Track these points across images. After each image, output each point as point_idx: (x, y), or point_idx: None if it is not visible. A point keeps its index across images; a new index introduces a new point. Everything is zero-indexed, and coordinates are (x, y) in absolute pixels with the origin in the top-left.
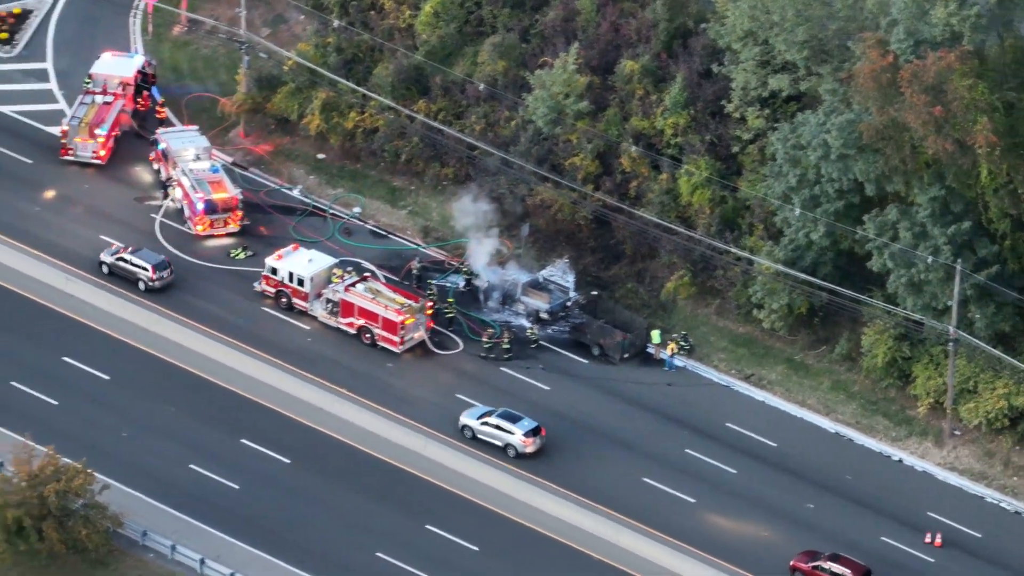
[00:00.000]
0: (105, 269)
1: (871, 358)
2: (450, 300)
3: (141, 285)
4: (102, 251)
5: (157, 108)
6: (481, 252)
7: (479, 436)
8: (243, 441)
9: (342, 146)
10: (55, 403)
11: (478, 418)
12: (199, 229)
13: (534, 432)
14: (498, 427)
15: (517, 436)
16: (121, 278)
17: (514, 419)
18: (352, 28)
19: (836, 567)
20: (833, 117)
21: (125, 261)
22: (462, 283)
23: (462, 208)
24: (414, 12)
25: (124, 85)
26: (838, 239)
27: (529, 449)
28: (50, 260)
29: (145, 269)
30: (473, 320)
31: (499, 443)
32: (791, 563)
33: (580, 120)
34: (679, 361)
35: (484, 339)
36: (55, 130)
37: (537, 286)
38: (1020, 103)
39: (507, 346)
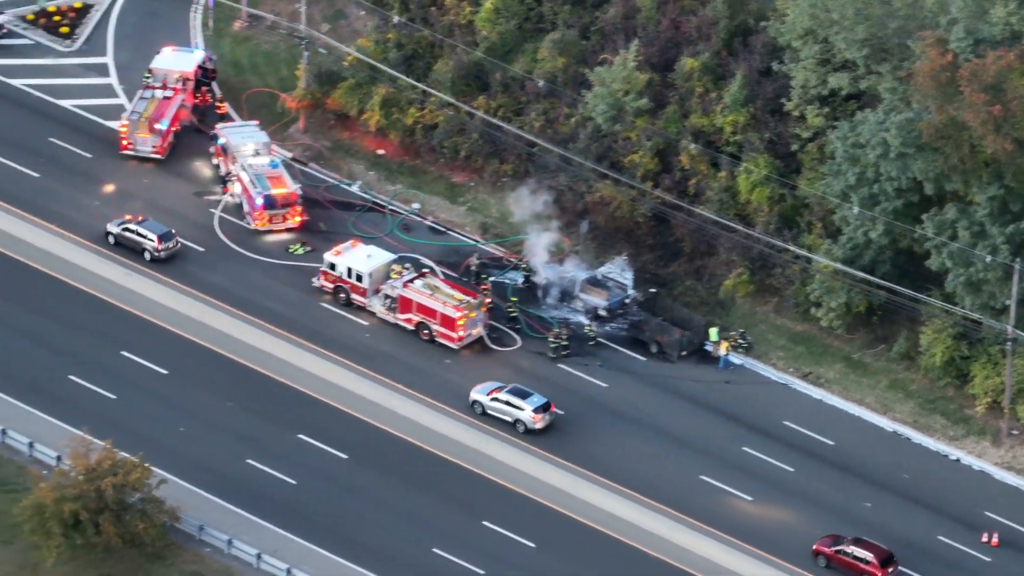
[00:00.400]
0: (111, 239)
1: (929, 357)
2: (513, 299)
3: (147, 255)
4: (108, 222)
5: (217, 104)
6: (540, 248)
7: (489, 412)
8: (300, 436)
9: (401, 142)
10: (113, 397)
11: (488, 393)
12: (258, 224)
13: (544, 408)
14: (508, 403)
15: (527, 412)
16: (127, 248)
17: (524, 395)
18: (412, 24)
19: (859, 551)
20: (892, 116)
21: (131, 231)
22: (520, 280)
23: (520, 201)
24: (474, 8)
25: (183, 80)
26: (897, 238)
27: (538, 425)
28: (109, 255)
29: (151, 239)
30: (533, 318)
31: (509, 419)
32: (814, 547)
33: (639, 117)
34: (735, 359)
35: (550, 339)
36: (115, 125)
37: (595, 283)
38: None
39: (565, 343)
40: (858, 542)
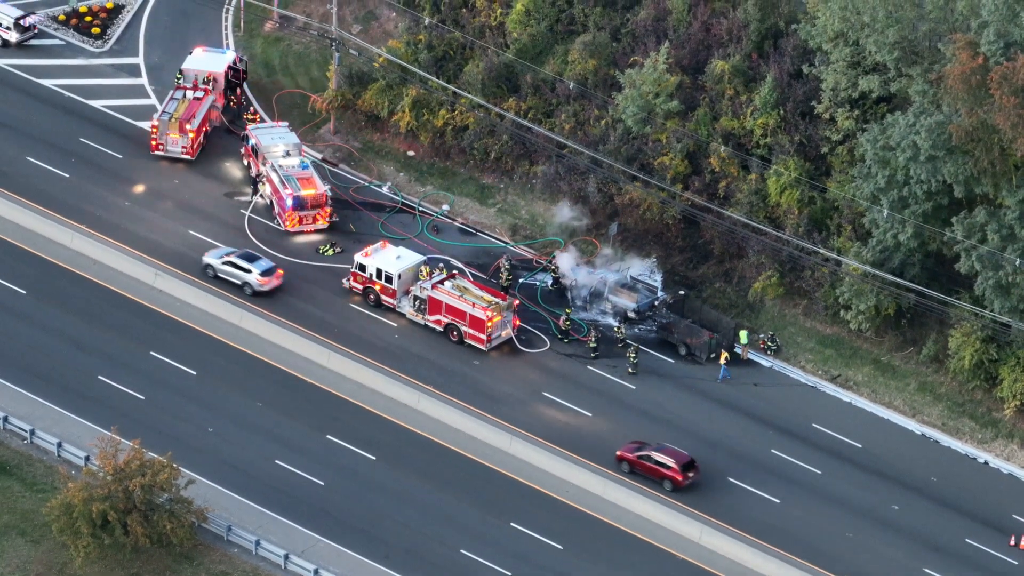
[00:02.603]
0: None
1: (958, 360)
2: (568, 311)
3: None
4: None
5: (247, 114)
6: (570, 250)
7: (220, 275)
8: (329, 437)
9: (432, 143)
10: (142, 397)
11: (219, 258)
12: (288, 225)
13: (269, 272)
14: (237, 266)
15: (254, 275)
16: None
17: (252, 259)
18: (443, 26)
19: (660, 456)
20: (923, 118)
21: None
22: (550, 281)
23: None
24: (505, 10)
25: (211, 80)
26: (926, 241)
27: (265, 287)
28: (139, 255)
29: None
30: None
31: (238, 282)
32: (617, 453)
33: (670, 120)
34: (767, 362)
35: (591, 342)
36: (146, 125)
37: (625, 285)
38: None
39: (594, 345)
40: (660, 448)
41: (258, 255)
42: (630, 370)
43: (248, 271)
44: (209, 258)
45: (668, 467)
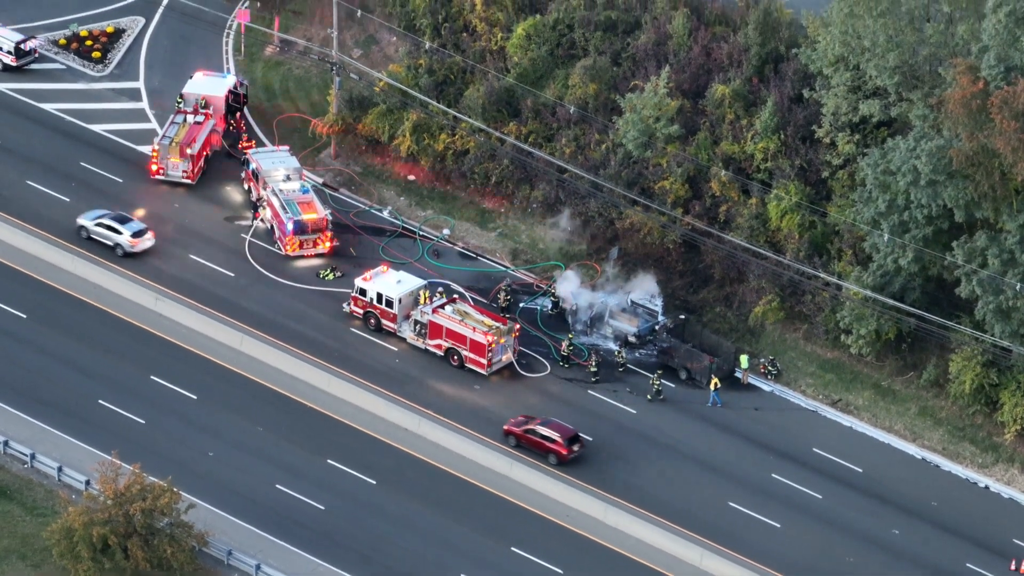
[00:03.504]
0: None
1: (958, 384)
2: (570, 336)
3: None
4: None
5: (242, 142)
6: (570, 275)
7: (93, 236)
8: (329, 461)
9: (432, 167)
10: (142, 422)
11: (93, 220)
12: (288, 250)
13: (140, 233)
14: (109, 227)
15: (125, 236)
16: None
17: (124, 221)
18: (444, 50)
19: (545, 430)
20: (923, 143)
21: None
22: (549, 306)
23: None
24: (506, 35)
25: (205, 103)
26: (927, 265)
27: (136, 249)
28: (140, 279)
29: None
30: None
31: (110, 243)
32: (504, 427)
33: (670, 144)
34: (767, 386)
35: (591, 367)
36: (146, 149)
37: (625, 310)
38: None
39: (594, 369)
40: (546, 423)
41: (130, 217)
42: (649, 397)
43: (119, 232)
44: (83, 220)
45: (553, 440)
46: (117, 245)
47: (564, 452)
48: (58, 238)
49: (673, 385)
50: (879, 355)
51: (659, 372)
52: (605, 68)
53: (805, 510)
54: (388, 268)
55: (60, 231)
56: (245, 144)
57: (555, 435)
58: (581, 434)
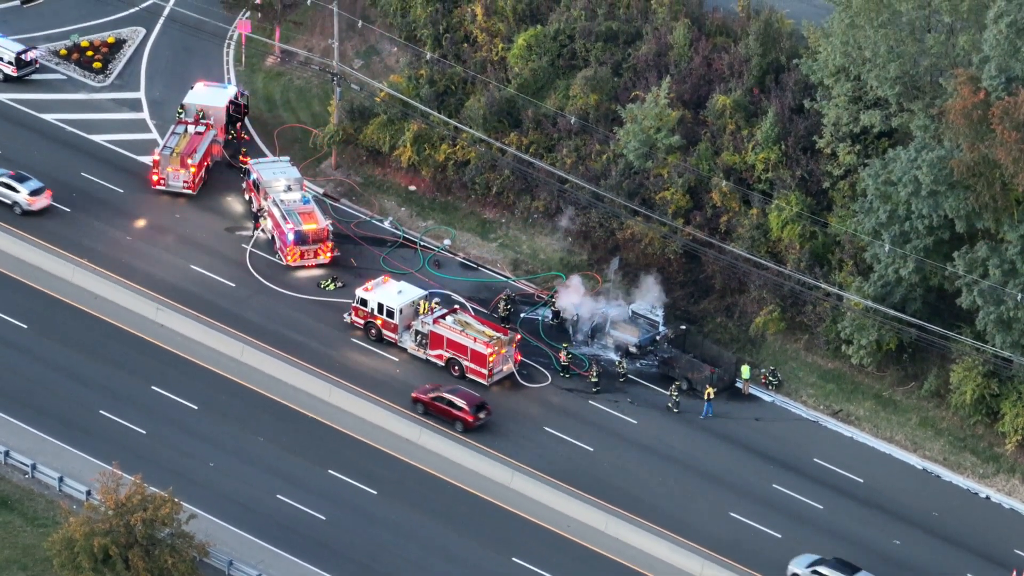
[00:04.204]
0: None
1: (959, 395)
2: (566, 345)
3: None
4: None
5: (241, 157)
6: (571, 285)
7: None
8: (331, 472)
9: (433, 178)
10: (143, 432)
11: None
12: (289, 260)
13: (39, 192)
14: (7, 186)
15: (23, 195)
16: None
17: (22, 179)
18: (445, 60)
19: (452, 397)
20: (924, 153)
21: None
22: (550, 315)
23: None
24: (507, 45)
25: (203, 113)
26: (927, 275)
27: (34, 207)
28: (141, 289)
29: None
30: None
31: (8, 202)
32: (412, 395)
33: (671, 154)
34: (768, 396)
35: (592, 377)
36: (147, 159)
37: (626, 320)
38: None
39: (595, 380)
40: (454, 391)
41: (29, 176)
42: (669, 405)
43: (17, 191)
44: None
45: (459, 408)
46: (15, 203)
47: (470, 419)
48: (59, 248)
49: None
50: (880, 365)
51: (677, 383)
52: (606, 79)
53: (806, 520)
54: (389, 279)
55: (61, 241)
56: (243, 159)
57: (461, 402)
58: (487, 403)
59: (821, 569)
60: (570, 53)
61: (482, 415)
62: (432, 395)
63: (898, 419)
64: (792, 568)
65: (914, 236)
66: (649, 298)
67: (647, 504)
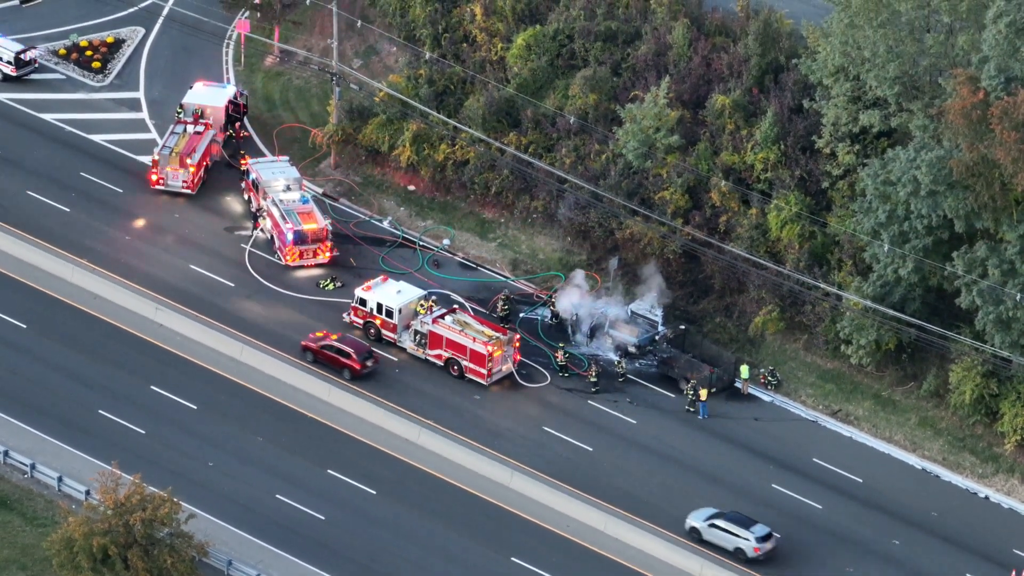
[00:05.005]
0: None
1: (959, 395)
2: (561, 345)
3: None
4: None
5: (240, 158)
6: (570, 285)
7: None
8: (330, 471)
9: (432, 178)
10: (142, 432)
11: None
12: (288, 260)
13: None
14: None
15: None
16: None
17: None
18: (444, 60)
19: (340, 345)
20: (923, 153)
21: None
22: (548, 315)
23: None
24: (506, 45)
25: (201, 112)
26: (927, 275)
27: None
28: (140, 289)
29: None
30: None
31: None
32: (301, 343)
33: (670, 154)
34: (767, 396)
35: (591, 377)
36: (146, 159)
37: (626, 320)
38: None
39: (595, 379)
40: (343, 339)
41: None
42: (688, 407)
43: None
44: None
45: (347, 355)
46: None
47: (358, 367)
48: (58, 248)
49: (673, 396)
50: (879, 365)
51: (692, 383)
52: (605, 78)
53: (805, 520)
54: (388, 278)
55: (60, 241)
56: (242, 159)
57: (349, 350)
58: (375, 351)
59: (718, 522)
60: (569, 53)
61: (369, 363)
62: (321, 343)
63: (897, 419)
64: (690, 521)
65: (913, 236)
66: (652, 291)
67: (647, 504)
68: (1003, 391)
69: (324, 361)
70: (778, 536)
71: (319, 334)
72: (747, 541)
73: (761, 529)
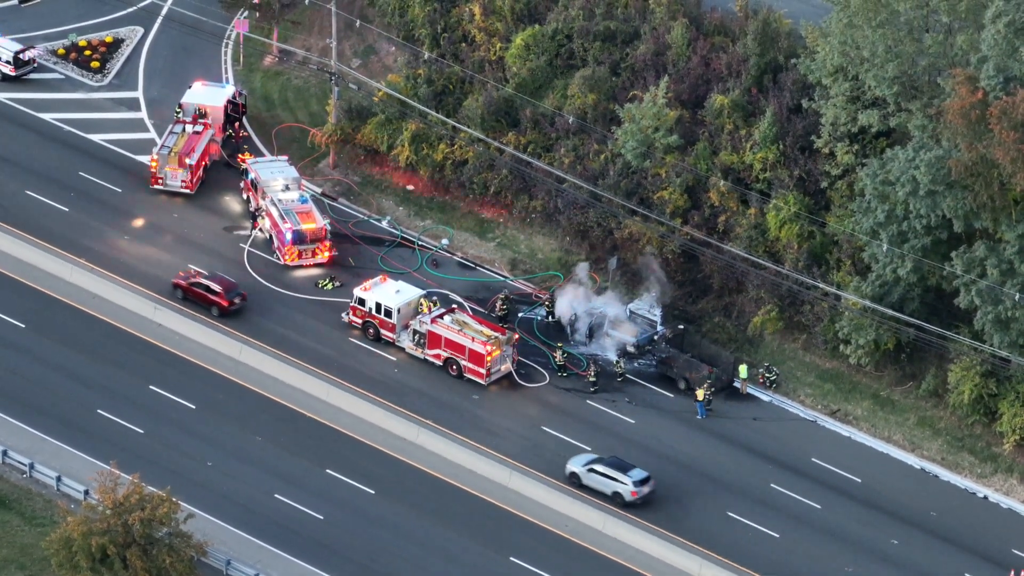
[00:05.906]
0: None
1: (957, 395)
2: (559, 345)
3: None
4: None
5: (239, 156)
6: (568, 285)
7: None
8: (328, 471)
9: (431, 178)
10: (141, 431)
11: None
12: (287, 260)
13: None
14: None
15: None
16: None
17: None
18: (443, 60)
19: (208, 282)
20: (922, 153)
21: None
22: (544, 315)
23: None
24: (505, 45)
25: (201, 112)
26: (925, 275)
27: None
28: (139, 289)
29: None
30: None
31: None
32: (172, 281)
33: (669, 154)
34: (766, 396)
35: (590, 376)
36: (145, 159)
37: (624, 320)
38: None
39: (593, 379)
40: (211, 276)
41: None
42: (710, 408)
43: None
44: None
45: (215, 292)
46: None
47: (225, 303)
48: (57, 248)
49: (671, 395)
50: (878, 365)
51: (708, 382)
52: (604, 78)
53: (804, 520)
54: (387, 278)
55: (59, 241)
56: (241, 159)
57: (217, 287)
58: (244, 291)
59: (596, 467)
60: (568, 53)
61: (237, 300)
62: (191, 280)
63: (896, 419)
64: (570, 467)
65: (912, 236)
66: (652, 282)
67: (645, 504)
68: (1002, 391)
69: (193, 298)
70: (654, 482)
71: (190, 271)
72: (624, 485)
73: (639, 473)
